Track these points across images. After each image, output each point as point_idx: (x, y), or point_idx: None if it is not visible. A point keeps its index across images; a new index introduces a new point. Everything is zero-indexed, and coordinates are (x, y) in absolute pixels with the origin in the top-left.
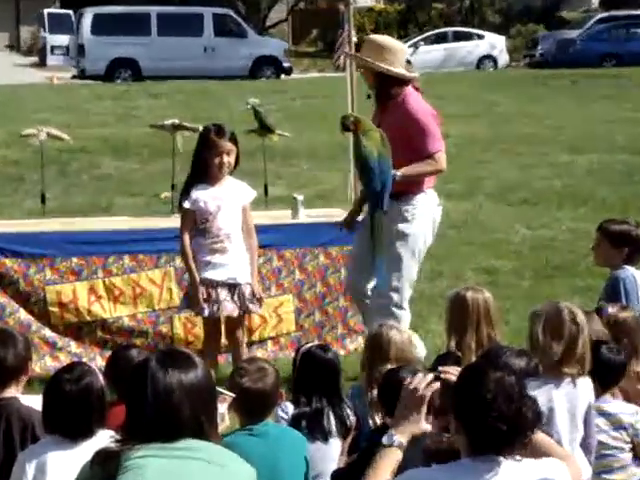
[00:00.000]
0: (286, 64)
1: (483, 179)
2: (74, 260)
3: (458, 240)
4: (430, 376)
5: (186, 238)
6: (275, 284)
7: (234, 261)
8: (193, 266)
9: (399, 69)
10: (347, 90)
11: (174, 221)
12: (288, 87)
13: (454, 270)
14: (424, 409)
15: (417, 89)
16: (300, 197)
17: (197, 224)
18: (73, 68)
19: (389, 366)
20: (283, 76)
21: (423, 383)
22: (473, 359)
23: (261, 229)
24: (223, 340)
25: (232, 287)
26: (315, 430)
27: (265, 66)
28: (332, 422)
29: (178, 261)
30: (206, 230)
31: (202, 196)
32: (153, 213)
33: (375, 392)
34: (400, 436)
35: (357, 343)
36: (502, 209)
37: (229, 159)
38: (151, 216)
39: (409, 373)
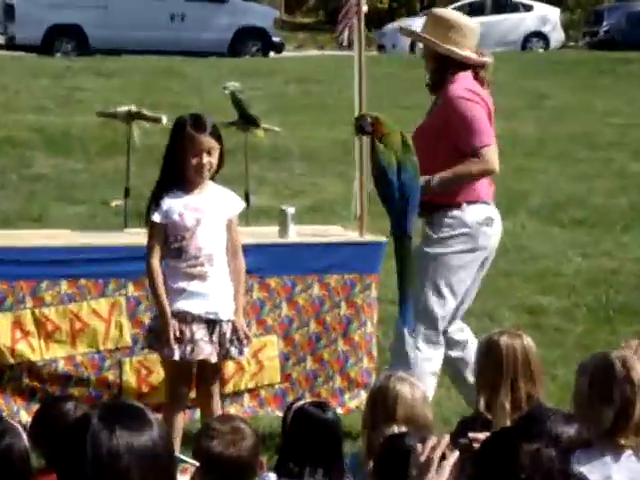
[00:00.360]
0: (276, 38)
1: (527, 192)
2: None
3: (493, 270)
4: (446, 440)
5: (155, 259)
6: (256, 321)
7: (215, 290)
8: (163, 295)
9: (466, 52)
10: (354, 73)
11: (127, 237)
12: (278, 68)
13: (487, 308)
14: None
15: (477, 77)
16: (290, 209)
17: (169, 242)
18: None
19: (395, 429)
20: (272, 54)
21: (438, 450)
22: (507, 423)
23: None
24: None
25: (211, 324)
26: None
27: (249, 40)
28: None
29: (131, 288)
30: (181, 250)
31: (176, 206)
32: (100, 226)
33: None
34: None
35: (359, 399)
36: (551, 231)
37: (210, 159)
38: (97, 230)
39: (419, 441)
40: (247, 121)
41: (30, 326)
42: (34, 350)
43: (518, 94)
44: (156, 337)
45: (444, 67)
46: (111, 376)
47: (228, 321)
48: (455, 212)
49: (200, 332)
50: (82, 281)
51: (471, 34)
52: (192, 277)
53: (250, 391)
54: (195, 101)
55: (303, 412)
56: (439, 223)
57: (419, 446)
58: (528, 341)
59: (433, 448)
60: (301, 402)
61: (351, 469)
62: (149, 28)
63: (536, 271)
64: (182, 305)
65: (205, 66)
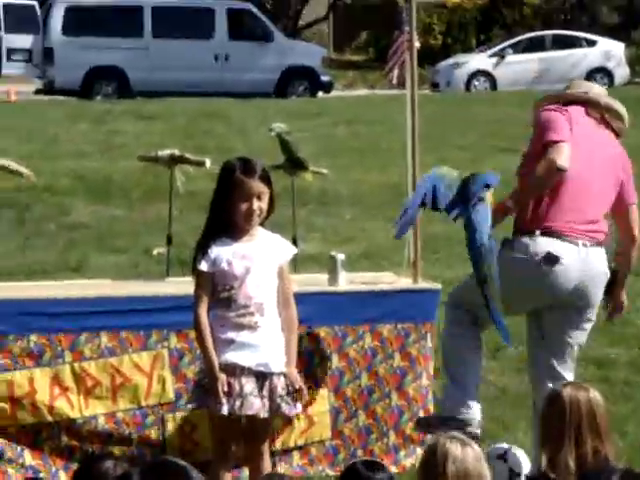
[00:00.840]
0: (325, 77)
1: None
2: (32, 338)
3: None
4: None
5: (202, 310)
6: (304, 374)
7: (266, 341)
8: (211, 346)
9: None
10: (406, 113)
11: (170, 286)
12: (327, 109)
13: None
14: None
15: (588, 114)
16: (340, 256)
17: (217, 291)
18: (38, 79)
19: None
20: (321, 94)
21: None
22: None
23: None
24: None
25: (261, 377)
26: None
27: (297, 80)
28: None
29: (174, 340)
30: (230, 299)
31: (225, 254)
32: (142, 275)
33: None
34: None
35: (415, 457)
36: None
37: (260, 204)
38: (139, 279)
39: None
40: (294, 164)
41: (69, 382)
42: (73, 407)
43: None
44: (204, 392)
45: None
46: (153, 433)
47: (279, 374)
48: (524, 240)
49: (249, 386)
50: (123, 333)
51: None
52: (241, 327)
53: (300, 448)
54: (240, 144)
55: (353, 472)
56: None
57: None
58: (595, 394)
59: None
60: (353, 461)
61: None
62: (192, 69)
63: (604, 321)
64: (231, 357)
65: (250, 108)
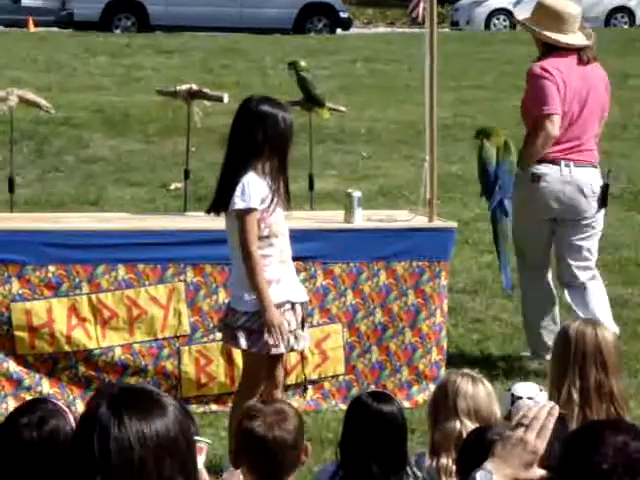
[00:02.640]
0: (344, 14)
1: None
2: (51, 269)
3: None
4: (551, 403)
5: (256, 248)
6: (319, 309)
7: (294, 274)
8: (266, 287)
9: (559, 35)
10: (425, 51)
11: (187, 221)
12: (346, 46)
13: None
14: (542, 445)
15: (581, 59)
16: (357, 193)
17: (260, 229)
18: (57, 11)
19: (457, 424)
20: (339, 31)
21: (543, 411)
22: (575, 412)
23: (304, 235)
24: None
25: (298, 310)
26: None
27: (316, 16)
28: None
29: (190, 274)
30: (271, 236)
31: (265, 190)
32: (159, 209)
33: (442, 459)
34: (500, 478)
35: (428, 392)
36: (634, 218)
37: None
38: (156, 213)
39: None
40: (312, 101)
41: (86, 313)
42: (90, 337)
43: None
44: (256, 335)
45: (548, 50)
46: (169, 365)
47: (302, 304)
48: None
49: (295, 320)
50: (140, 266)
51: (572, 20)
52: (282, 263)
53: (313, 383)
54: (257, 80)
55: (361, 403)
56: None
57: (526, 403)
58: (604, 330)
59: (540, 408)
60: (361, 392)
61: (419, 467)
62: (211, 4)
63: (617, 261)
64: (280, 294)
65: (268, 44)
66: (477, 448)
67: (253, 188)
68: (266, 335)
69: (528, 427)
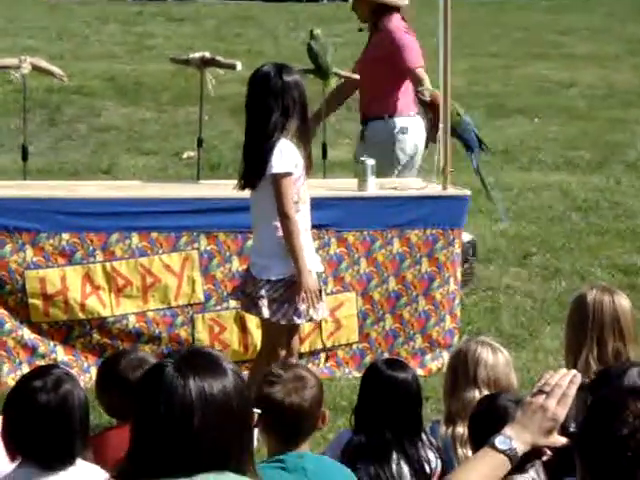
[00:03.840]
0: None
1: (622, 145)
2: (65, 237)
3: (585, 227)
4: (573, 371)
5: (294, 213)
6: (333, 278)
7: (312, 242)
8: (303, 251)
9: None
10: (439, 18)
11: (200, 189)
12: None
13: (578, 268)
14: (563, 413)
15: (403, 18)
16: (370, 161)
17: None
18: None
19: (476, 393)
20: None
21: (566, 378)
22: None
23: (317, 204)
24: None
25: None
26: (378, 472)
27: None
28: (403, 465)
29: (204, 242)
30: (298, 203)
31: (297, 155)
32: (172, 178)
33: (458, 428)
34: (519, 444)
35: (441, 360)
36: None
37: None
38: (169, 181)
39: (514, 402)
40: (318, 71)
41: (100, 280)
42: (105, 305)
43: (615, 39)
44: (278, 304)
45: (381, 11)
46: (183, 333)
47: (319, 273)
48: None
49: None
50: (153, 234)
51: None
52: (305, 231)
53: (327, 350)
54: (270, 48)
55: (375, 370)
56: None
57: (547, 374)
58: (620, 298)
59: (561, 378)
60: (376, 360)
61: (434, 434)
62: None
63: (631, 228)
64: (309, 263)
65: (282, 11)
66: (488, 415)
67: (289, 153)
68: (288, 304)
69: (549, 394)
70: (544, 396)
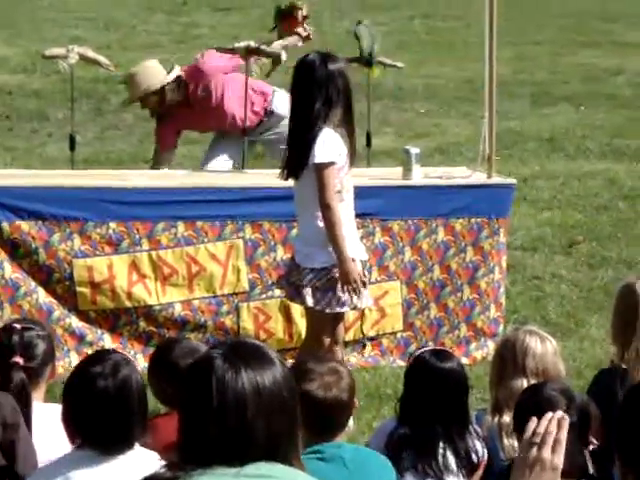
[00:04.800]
0: None
1: None
2: (112, 226)
3: (633, 215)
4: (559, 414)
5: (337, 203)
6: (377, 266)
7: (356, 230)
8: (345, 241)
9: None
10: (485, 7)
11: (245, 178)
12: (404, 2)
13: (624, 256)
14: (560, 460)
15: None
16: (415, 150)
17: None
18: None
19: (524, 383)
20: None
21: (552, 424)
22: None
23: (361, 192)
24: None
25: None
26: (424, 463)
27: None
28: (449, 455)
29: (249, 231)
30: (341, 192)
31: (342, 145)
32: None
33: (504, 417)
34: None
35: (486, 349)
36: None
37: None
38: (214, 170)
39: (559, 391)
40: (362, 60)
41: (147, 269)
42: (151, 294)
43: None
44: (322, 292)
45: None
46: (228, 321)
47: (363, 262)
48: None
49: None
50: (199, 223)
51: None
52: (349, 221)
53: (372, 339)
54: (315, 37)
55: (421, 361)
56: None
57: (533, 423)
58: None
59: (549, 424)
60: (420, 350)
61: (480, 424)
62: None
63: None
64: (352, 252)
65: (326, 0)
66: (533, 404)
67: (332, 142)
68: (332, 292)
69: (541, 445)
70: (536, 448)
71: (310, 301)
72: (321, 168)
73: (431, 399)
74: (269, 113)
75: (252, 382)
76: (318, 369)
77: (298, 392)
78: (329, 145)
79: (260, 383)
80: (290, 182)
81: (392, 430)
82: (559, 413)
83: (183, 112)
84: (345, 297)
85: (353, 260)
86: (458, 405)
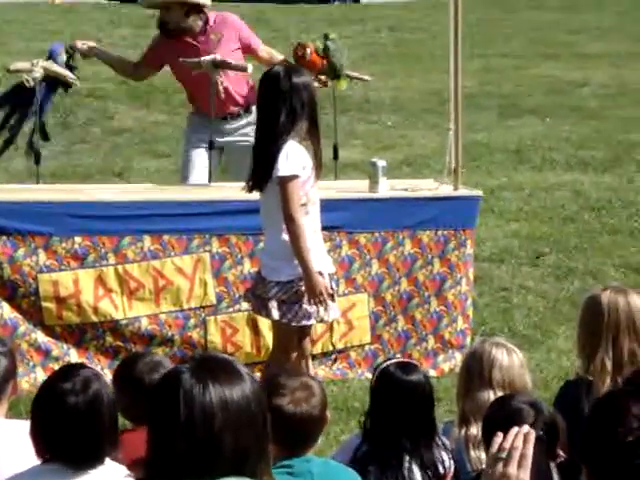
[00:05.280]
0: None
1: (634, 144)
2: (77, 240)
3: (598, 226)
4: (525, 428)
5: (300, 216)
6: (345, 279)
7: (322, 244)
8: (309, 254)
9: None
10: (450, 19)
11: (211, 191)
12: (370, 15)
13: (590, 267)
14: (526, 476)
15: None
16: (381, 162)
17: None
18: None
19: (490, 395)
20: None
21: (518, 439)
22: (607, 384)
23: (328, 205)
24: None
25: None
26: (389, 478)
27: None
28: (415, 468)
29: (216, 245)
30: (307, 204)
31: (306, 157)
32: None
33: (471, 429)
34: None
35: (454, 361)
36: None
37: None
38: (181, 184)
39: (528, 404)
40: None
41: (113, 283)
42: (117, 308)
43: (628, 39)
44: (287, 306)
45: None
46: (196, 335)
47: (330, 275)
48: None
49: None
50: (165, 237)
51: None
52: (314, 232)
53: (339, 352)
54: (282, 50)
55: (387, 373)
56: None
57: (498, 438)
58: (634, 298)
59: (515, 439)
60: (387, 362)
61: (447, 436)
62: None
63: None
64: (317, 265)
65: (293, 13)
66: (501, 416)
67: (296, 155)
68: (298, 305)
69: (507, 460)
70: (502, 463)
71: (276, 314)
72: (284, 181)
73: (397, 412)
74: (248, 110)
75: (220, 396)
76: (289, 384)
77: (269, 407)
78: (293, 158)
79: (228, 397)
80: (256, 195)
81: (357, 446)
82: (525, 428)
83: (186, 48)
84: (311, 310)
85: (320, 273)
86: (424, 417)
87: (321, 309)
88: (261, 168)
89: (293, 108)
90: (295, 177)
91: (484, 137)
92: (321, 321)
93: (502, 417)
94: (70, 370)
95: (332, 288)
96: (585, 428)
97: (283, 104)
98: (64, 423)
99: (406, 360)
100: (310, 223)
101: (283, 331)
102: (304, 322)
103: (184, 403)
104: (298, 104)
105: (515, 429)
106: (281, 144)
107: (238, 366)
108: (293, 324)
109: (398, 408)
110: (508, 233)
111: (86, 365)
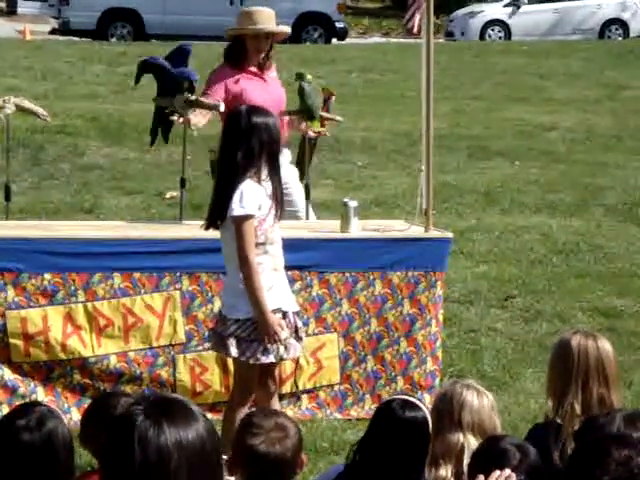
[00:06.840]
0: (339, 24)
1: (603, 188)
2: (46, 277)
3: (565, 270)
4: (507, 472)
5: (254, 256)
6: (315, 318)
7: (286, 282)
8: (264, 296)
9: None
10: (422, 61)
11: (182, 229)
12: (341, 56)
13: (559, 310)
14: None
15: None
16: (353, 203)
17: (256, 236)
18: (52, 19)
19: (460, 436)
20: (335, 41)
21: None
22: (576, 428)
23: (299, 245)
24: None
25: (289, 319)
26: None
27: (311, 26)
28: None
29: (186, 283)
30: (266, 243)
31: (262, 196)
32: (154, 218)
33: (440, 471)
34: None
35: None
36: (628, 229)
37: None
38: (151, 221)
39: (515, 446)
40: (305, 112)
41: (82, 320)
42: (86, 345)
43: (595, 85)
44: (246, 343)
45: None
46: (164, 373)
47: (295, 313)
48: None
49: (287, 329)
50: (136, 275)
51: None
52: (275, 271)
53: (308, 392)
54: None
55: (390, 410)
56: None
57: (480, 476)
58: (603, 343)
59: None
60: (393, 397)
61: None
62: (207, 13)
63: (611, 272)
64: (274, 302)
65: None
66: (487, 456)
67: (251, 195)
68: (257, 343)
69: None
70: None
71: (234, 352)
72: (238, 221)
73: (395, 448)
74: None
75: (175, 437)
76: (264, 423)
77: (243, 446)
78: (247, 198)
79: (183, 438)
80: None
81: (338, 475)
82: (507, 472)
83: (252, 83)
84: (271, 348)
85: (281, 311)
86: (416, 458)
87: (281, 347)
88: (217, 207)
89: (251, 148)
90: (249, 217)
91: (454, 179)
92: (281, 359)
93: (488, 457)
94: (26, 407)
95: (297, 326)
96: (568, 467)
97: (241, 143)
98: (18, 460)
99: (407, 397)
100: (270, 262)
101: (243, 369)
102: (263, 359)
103: (139, 445)
104: (257, 144)
105: (497, 473)
106: (237, 183)
107: (191, 405)
108: (251, 362)
109: (397, 443)
110: (477, 275)
111: (42, 403)
